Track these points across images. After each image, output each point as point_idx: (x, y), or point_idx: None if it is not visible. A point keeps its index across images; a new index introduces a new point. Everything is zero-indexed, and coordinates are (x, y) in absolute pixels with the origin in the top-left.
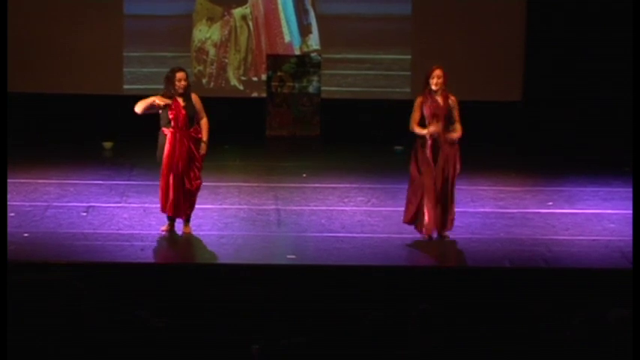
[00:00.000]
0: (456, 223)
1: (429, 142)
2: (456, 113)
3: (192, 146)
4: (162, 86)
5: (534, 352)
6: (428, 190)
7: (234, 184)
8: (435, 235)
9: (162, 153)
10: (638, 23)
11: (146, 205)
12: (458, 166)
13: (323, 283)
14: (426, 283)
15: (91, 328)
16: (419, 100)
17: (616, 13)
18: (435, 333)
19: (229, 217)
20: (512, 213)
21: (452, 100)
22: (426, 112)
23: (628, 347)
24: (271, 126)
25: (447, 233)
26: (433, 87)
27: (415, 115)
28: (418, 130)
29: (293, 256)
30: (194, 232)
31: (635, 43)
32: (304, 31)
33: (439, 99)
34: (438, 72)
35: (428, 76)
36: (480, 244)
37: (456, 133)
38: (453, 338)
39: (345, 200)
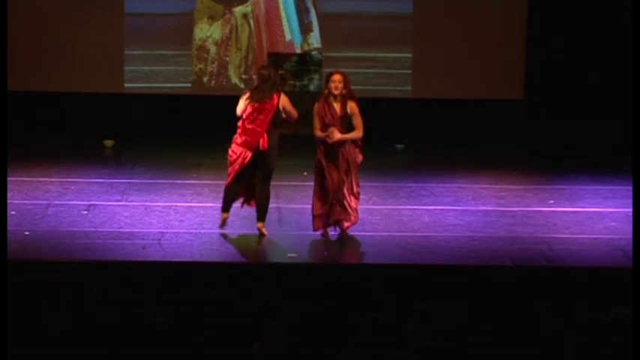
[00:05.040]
0: (457, 221)
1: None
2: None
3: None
4: (162, 85)
5: (535, 351)
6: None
7: None
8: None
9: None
10: (638, 22)
11: (147, 203)
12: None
13: (323, 282)
14: (426, 282)
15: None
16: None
17: (617, 13)
18: (435, 333)
19: (230, 216)
20: (514, 211)
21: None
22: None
23: (628, 347)
24: None
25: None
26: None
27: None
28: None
29: (294, 255)
30: (194, 231)
31: (636, 42)
32: (305, 29)
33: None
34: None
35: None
36: (481, 242)
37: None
38: (452, 338)
39: None
